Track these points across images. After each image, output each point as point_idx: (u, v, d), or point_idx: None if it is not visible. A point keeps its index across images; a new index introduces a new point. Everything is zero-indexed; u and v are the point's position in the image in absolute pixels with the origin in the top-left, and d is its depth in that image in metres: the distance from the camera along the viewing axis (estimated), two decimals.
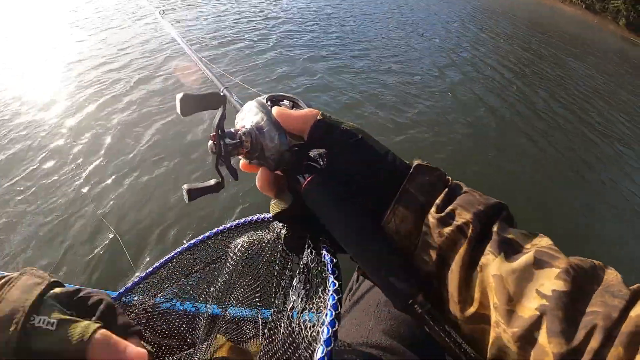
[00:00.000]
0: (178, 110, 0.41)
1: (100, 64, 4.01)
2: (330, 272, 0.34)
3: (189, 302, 0.72)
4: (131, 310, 0.71)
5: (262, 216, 0.51)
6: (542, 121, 4.95)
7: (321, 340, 0.28)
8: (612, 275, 0.32)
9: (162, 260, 0.71)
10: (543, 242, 0.34)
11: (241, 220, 0.55)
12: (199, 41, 4.72)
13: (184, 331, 0.74)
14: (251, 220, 0.53)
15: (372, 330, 0.59)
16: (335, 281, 0.33)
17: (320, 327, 0.29)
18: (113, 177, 2.66)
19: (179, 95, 0.40)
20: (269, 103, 0.42)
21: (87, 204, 2.43)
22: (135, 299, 0.71)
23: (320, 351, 0.28)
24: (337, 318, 0.30)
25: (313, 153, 0.39)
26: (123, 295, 0.73)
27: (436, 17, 9.35)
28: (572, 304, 0.29)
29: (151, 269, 0.72)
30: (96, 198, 2.47)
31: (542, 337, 0.29)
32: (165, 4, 5.61)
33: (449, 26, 8.66)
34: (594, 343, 0.27)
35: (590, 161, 4.40)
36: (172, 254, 0.70)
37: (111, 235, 2.23)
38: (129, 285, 0.74)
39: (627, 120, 6.01)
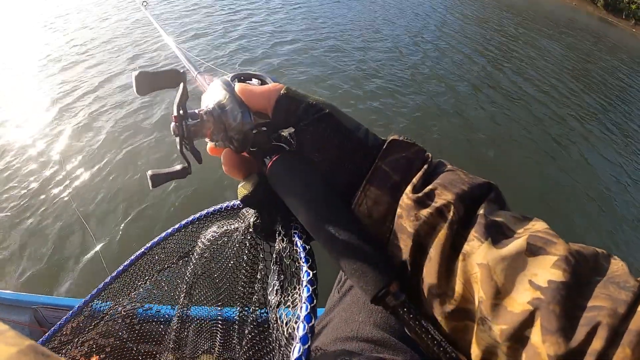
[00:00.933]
0: (134, 88, 0.39)
1: (75, 61, 3.87)
2: (304, 260, 0.31)
3: (156, 306, 0.68)
4: (101, 320, 0.68)
5: (233, 203, 0.47)
6: (509, 99, 5.05)
7: (297, 337, 0.25)
8: (617, 265, 0.28)
9: (132, 258, 0.67)
10: (538, 225, 0.30)
11: (211, 209, 0.51)
12: (174, 32, 4.63)
13: (152, 338, 0.71)
14: (221, 208, 0.49)
15: (362, 324, 0.55)
16: (308, 270, 0.29)
17: (296, 323, 0.26)
18: (82, 169, 2.59)
19: (135, 73, 0.38)
20: (235, 81, 0.39)
21: (58, 200, 2.35)
22: (104, 306, 0.68)
23: (297, 350, 0.25)
24: (313, 311, 0.26)
25: (285, 133, 0.37)
26: (95, 297, 0.69)
27: (406, 1, 9.31)
28: (571, 297, 0.25)
29: (121, 267, 0.68)
30: (67, 194, 2.39)
31: (536, 335, 0.25)
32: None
33: (417, 9, 8.65)
34: (598, 344, 0.23)
35: (560, 138, 4.49)
36: (143, 249, 0.66)
37: (80, 230, 2.18)
38: (100, 286, 0.70)
39: (598, 97, 6.20)
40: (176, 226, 0.59)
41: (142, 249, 0.66)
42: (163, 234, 0.63)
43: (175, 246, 0.61)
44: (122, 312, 0.70)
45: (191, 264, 0.54)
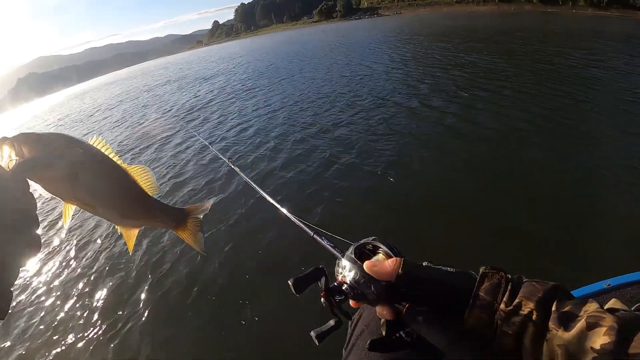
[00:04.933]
0: (293, 291, 0.55)
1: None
2: None
3: None
4: None
5: None
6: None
7: None
8: None
9: None
10: (592, 307, 0.44)
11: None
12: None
13: None
14: None
15: None
16: None
17: None
18: None
19: (291, 281, 0.56)
20: (357, 254, 0.57)
21: None
22: None
23: None
24: None
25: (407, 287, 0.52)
26: None
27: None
28: (617, 351, 0.38)
29: None
30: None
31: None
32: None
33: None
34: None
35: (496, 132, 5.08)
36: None
37: None
38: None
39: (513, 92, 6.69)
40: None
41: None
42: None
43: None
44: None
45: None
